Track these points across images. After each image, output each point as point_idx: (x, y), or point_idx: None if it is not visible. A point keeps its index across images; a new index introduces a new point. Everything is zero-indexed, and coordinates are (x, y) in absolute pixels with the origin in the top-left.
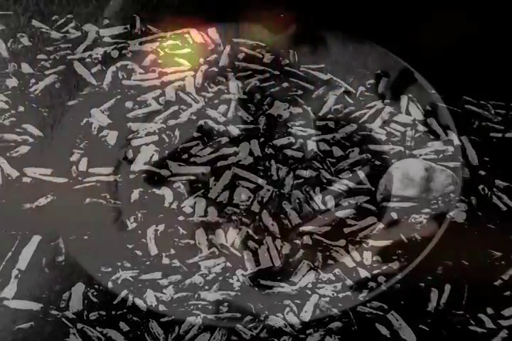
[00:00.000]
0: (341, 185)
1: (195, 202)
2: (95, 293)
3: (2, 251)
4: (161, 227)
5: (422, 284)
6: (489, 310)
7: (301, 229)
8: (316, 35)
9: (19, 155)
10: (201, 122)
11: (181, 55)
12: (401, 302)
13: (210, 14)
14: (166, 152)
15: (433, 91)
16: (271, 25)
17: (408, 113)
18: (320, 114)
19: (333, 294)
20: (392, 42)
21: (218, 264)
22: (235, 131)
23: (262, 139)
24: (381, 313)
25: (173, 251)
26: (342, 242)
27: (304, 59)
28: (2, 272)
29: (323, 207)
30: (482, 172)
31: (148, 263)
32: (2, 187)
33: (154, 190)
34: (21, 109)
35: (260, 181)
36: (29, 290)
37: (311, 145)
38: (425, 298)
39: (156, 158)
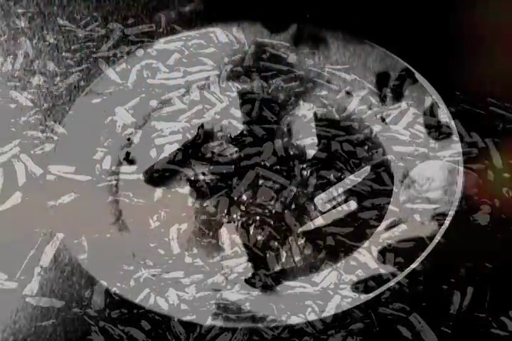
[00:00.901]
0: (364, 186)
1: (218, 202)
2: (117, 291)
3: (25, 248)
4: (184, 226)
5: (445, 286)
6: None
7: (324, 229)
8: (341, 35)
9: (43, 153)
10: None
11: (206, 54)
12: (423, 304)
13: (236, 13)
14: (190, 151)
15: (458, 92)
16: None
17: (432, 114)
18: (344, 114)
19: (354, 295)
20: (417, 44)
21: (240, 264)
22: (258, 130)
23: (285, 139)
24: (403, 315)
25: (195, 250)
26: (365, 243)
27: (329, 59)
28: (25, 269)
29: (346, 208)
30: (506, 175)
31: (170, 262)
32: (26, 184)
33: (177, 188)
34: (46, 106)
35: (283, 181)
36: (51, 287)
37: (335, 146)
38: (447, 301)
39: (179, 157)
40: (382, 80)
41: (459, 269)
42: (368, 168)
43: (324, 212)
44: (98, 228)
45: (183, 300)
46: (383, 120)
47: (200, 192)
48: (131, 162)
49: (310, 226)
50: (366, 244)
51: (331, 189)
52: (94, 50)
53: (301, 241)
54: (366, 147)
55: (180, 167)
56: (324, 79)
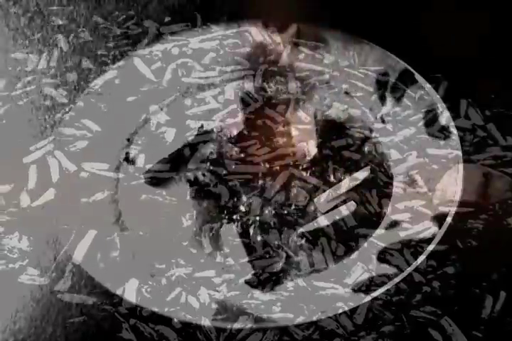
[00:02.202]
0: (398, 188)
1: (250, 201)
2: (149, 289)
3: (58, 245)
4: (216, 225)
5: (477, 290)
6: None
7: (356, 231)
8: (377, 36)
9: (77, 150)
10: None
11: (241, 54)
12: (455, 307)
13: (272, 14)
14: (223, 150)
15: (492, 96)
16: (331, 26)
17: (467, 117)
18: (378, 116)
19: (386, 297)
20: (454, 46)
21: (272, 264)
22: (293, 131)
23: (319, 140)
24: (434, 318)
25: (227, 250)
26: (397, 245)
27: (364, 60)
28: (57, 266)
29: (378, 210)
30: None
31: (202, 261)
32: (60, 181)
33: (210, 188)
34: (80, 103)
35: (316, 182)
36: (83, 284)
37: (369, 148)
38: (479, 305)
39: (213, 156)
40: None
41: (492, 273)
42: (368, 168)
43: (356, 214)
44: (131, 225)
45: (215, 299)
46: (417, 122)
47: (233, 191)
48: (131, 162)
49: (342, 227)
50: (399, 246)
51: (364, 190)
52: (130, 47)
53: (334, 242)
54: (400, 149)
55: (214, 166)
56: (358, 80)
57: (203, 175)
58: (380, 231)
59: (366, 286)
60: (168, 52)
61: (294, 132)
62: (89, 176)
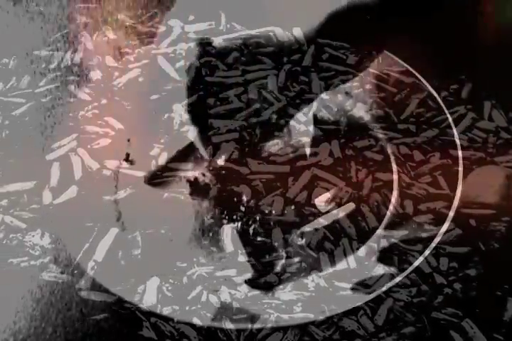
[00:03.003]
0: (420, 189)
1: (273, 201)
2: (170, 288)
3: (80, 242)
4: (238, 225)
5: (499, 292)
6: None
7: (378, 231)
8: (401, 37)
9: (100, 148)
10: None
11: (265, 54)
12: (476, 310)
13: (296, 13)
14: (246, 150)
15: None
16: (357, 26)
17: (491, 119)
18: (402, 117)
19: (407, 299)
20: (476, 48)
21: (293, 264)
22: (315, 131)
23: (342, 140)
24: (455, 320)
25: (248, 249)
26: (419, 247)
27: (388, 61)
28: (79, 263)
29: (400, 211)
30: None
31: (223, 260)
32: (82, 178)
33: (233, 187)
34: (104, 101)
35: (339, 182)
36: (105, 282)
37: (392, 149)
38: (501, 307)
39: (235, 155)
40: (441, 84)
41: None
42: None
43: (379, 214)
44: (153, 224)
45: (236, 298)
46: (441, 123)
47: (256, 191)
48: (131, 162)
49: (364, 228)
50: (420, 247)
51: (386, 191)
52: (154, 46)
53: (355, 243)
54: (423, 150)
55: (236, 165)
56: (383, 81)
57: (225, 174)
58: (402, 232)
59: (387, 287)
60: (191, 50)
61: (317, 132)
62: (111, 174)
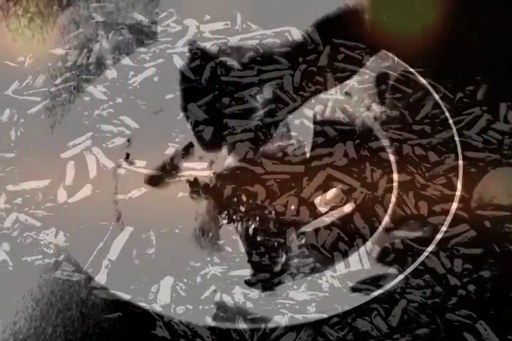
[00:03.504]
0: (435, 191)
1: (287, 201)
2: (183, 287)
3: (94, 241)
4: (252, 224)
5: None
6: None
7: (392, 233)
8: (417, 38)
9: (115, 147)
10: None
11: (280, 54)
12: (490, 312)
13: (312, 13)
14: (261, 150)
15: None
16: (372, 27)
17: (506, 121)
18: (417, 118)
19: (421, 300)
20: (494, 49)
21: (308, 264)
22: (330, 131)
23: (357, 141)
24: (469, 322)
25: (262, 249)
26: (433, 248)
27: (404, 62)
28: (93, 261)
29: (415, 212)
30: None
31: (237, 259)
32: (97, 177)
33: (247, 186)
34: (119, 100)
35: (354, 183)
36: (119, 280)
37: (406, 149)
38: None
39: (250, 155)
40: (456, 85)
41: None
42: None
43: (393, 216)
44: (167, 223)
45: (249, 298)
46: (456, 125)
47: (270, 191)
48: (130, 162)
49: (379, 229)
50: (435, 249)
51: (401, 192)
52: (169, 45)
53: (369, 244)
54: (438, 151)
55: (251, 165)
56: (398, 81)
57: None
58: (416, 233)
59: (401, 288)
60: (207, 50)
61: (332, 132)
62: (126, 173)
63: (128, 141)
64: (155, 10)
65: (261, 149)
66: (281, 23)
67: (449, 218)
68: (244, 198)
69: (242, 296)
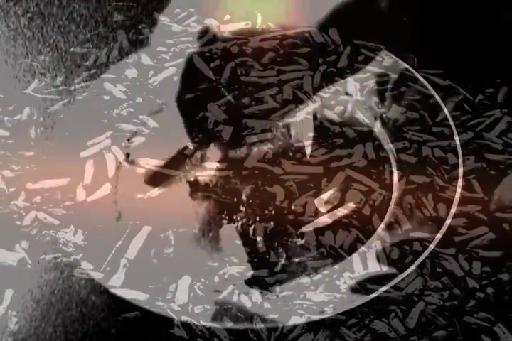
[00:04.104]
0: (454, 193)
1: (306, 202)
2: (201, 287)
3: (112, 240)
4: (271, 225)
5: None
6: None
7: (411, 234)
8: (437, 39)
9: (134, 146)
10: None
11: (300, 54)
12: (509, 314)
13: (333, 14)
14: (280, 150)
15: None
16: (392, 28)
17: None
18: (437, 120)
19: (439, 302)
20: None
21: (326, 265)
22: (350, 132)
23: (376, 142)
24: (487, 325)
25: (280, 250)
26: (451, 250)
27: (424, 64)
28: (111, 260)
29: (434, 214)
30: None
31: (255, 260)
32: (115, 176)
33: (266, 187)
34: (139, 99)
35: (373, 184)
36: (136, 279)
37: (426, 151)
38: None
39: (269, 155)
40: (477, 87)
41: None
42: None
43: (412, 218)
44: (185, 223)
45: (267, 298)
46: (476, 127)
47: (289, 191)
48: (131, 162)
49: (397, 230)
50: (453, 251)
51: (420, 194)
52: (189, 45)
53: (388, 246)
54: (457, 153)
55: (270, 166)
56: (418, 83)
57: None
58: (435, 235)
59: (419, 290)
60: (227, 50)
61: (352, 134)
62: (145, 172)
63: (128, 140)
64: (175, 9)
65: (280, 150)
66: (302, 24)
67: (468, 220)
68: (262, 199)
69: (260, 297)
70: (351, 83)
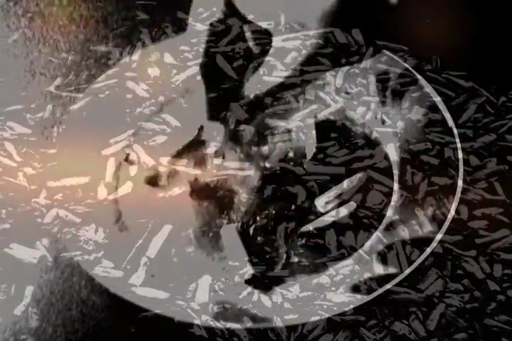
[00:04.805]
0: (476, 195)
1: (327, 202)
2: (221, 286)
3: (132, 238)
4: (292, 225)
5: None
6: None
7: (431, 236)
8: (460, 41)
9: (156, 145)
10: None
11: (323, 55)
12: None
13: (355, 15)
14: (302, 150)
15: None
16: (416, 29)
17: None
18: (459, 121)
19: (460, 304)
20: None
21: (346, 266)
22: (372, 133)
23: (398, 143)
24: (508, 328)
25: (301, 250)
26: (472, 253)
27: (447, 65)
28: (131, 259)
29: (455, 216)
30: None
31: (276, 259)
32: (138, 174)
33: (287, 187)
34: (161, 98)
35: (394, 185)
36: (157, 278)
37: (448, 153)
38: None
39: (291, 155)
40: (500, 89)
41: None
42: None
43: (434, 219)
44: (206, 222)
45: (287, 298)
46: (499, 129)
47: (310, 191)
48: (131, 163)
49: (418, 232)
50: (474, 253)
51: (441, 196)
52: (213, 44)
53: (409, 247)
54: (480, 155)
55: (292, 166)
56: (441, 84)
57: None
58: (456, 237)
59: (440, 292)
60: (250, 50)
61: (373, 134)
62: (166, 171)
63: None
64: (199, 8)
65: (301, 150)
66: (325, 24)
67: (489, 222)
68: (283, 198)
69: (280, 296)
70: (373, 84)
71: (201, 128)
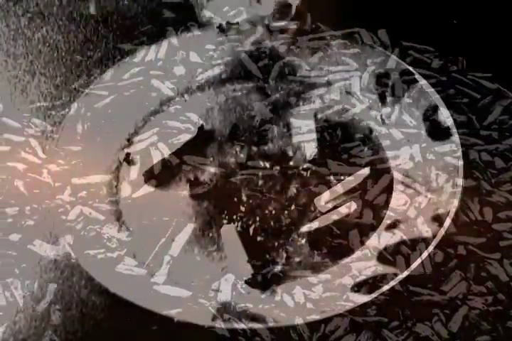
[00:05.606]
0: (500, 197)
1: (351, 203)
2: (244, 285)
3: (156, 237)
4: (315, 225)
5: None
6: None
7: (456, 238)
8: (486, 42)
9: (180, 143)
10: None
11: (349, 55)
12: None
13: (382, 15)
14: (327, 150)
15: None
16: (441, 30)
17: None
18: (485, 123)
19: (483, 307)
20: None
21: (369, 267)
22: (397, 134)
23: (423, 145)
24: None
25: (325, 250)
26: (497, 255)
27: (473, 66)
28: (154, 257)
29: (480, 218)
30: None
31: (298, 259)
32: (161, 173)
33: (311, 187)
34: (186, 97)
35: (418, 187)
36: (180, 277)
37: (473, 155)
38: None
39: (315, 155)
40: None
41: None
42: (367, 169)
43: (457, 220)
44: (229, 220)
45: (310, 298)
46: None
47: (334, 192)
48: (131, 163)
49: (442, 234)
50: (498, 256)
51: (465, 198)
52: (238, 44)
53: (432, 248)
54: (505, 158)
55: (316, 166)
56: (467, 86)
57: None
58: (479, 239)
59: (463, 294)
60: (275, 49)
61: (399, 135)
62: (190, 170)
63: (128, 141)
64: (225, 7)
65: (326, 150)
66: (351, 25)
67: None
68: (307, 198)
69: (303, 297)
70: (399, 85)
71: (201, 128)
